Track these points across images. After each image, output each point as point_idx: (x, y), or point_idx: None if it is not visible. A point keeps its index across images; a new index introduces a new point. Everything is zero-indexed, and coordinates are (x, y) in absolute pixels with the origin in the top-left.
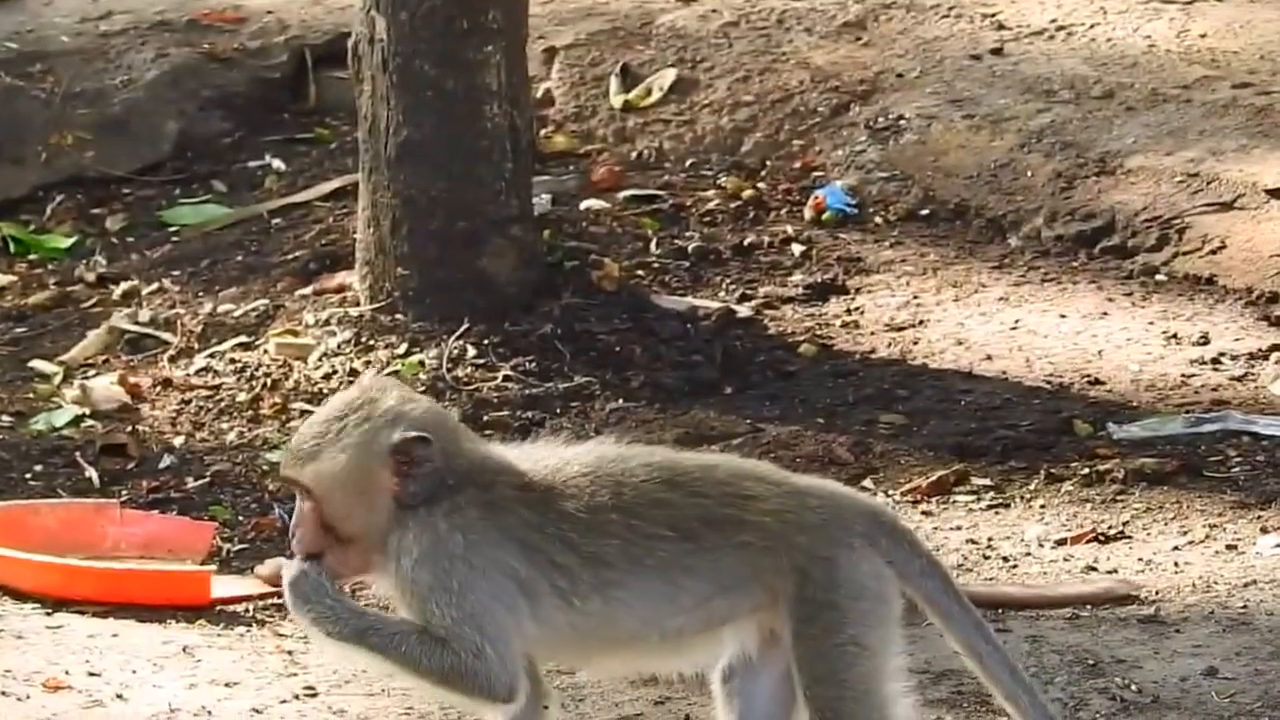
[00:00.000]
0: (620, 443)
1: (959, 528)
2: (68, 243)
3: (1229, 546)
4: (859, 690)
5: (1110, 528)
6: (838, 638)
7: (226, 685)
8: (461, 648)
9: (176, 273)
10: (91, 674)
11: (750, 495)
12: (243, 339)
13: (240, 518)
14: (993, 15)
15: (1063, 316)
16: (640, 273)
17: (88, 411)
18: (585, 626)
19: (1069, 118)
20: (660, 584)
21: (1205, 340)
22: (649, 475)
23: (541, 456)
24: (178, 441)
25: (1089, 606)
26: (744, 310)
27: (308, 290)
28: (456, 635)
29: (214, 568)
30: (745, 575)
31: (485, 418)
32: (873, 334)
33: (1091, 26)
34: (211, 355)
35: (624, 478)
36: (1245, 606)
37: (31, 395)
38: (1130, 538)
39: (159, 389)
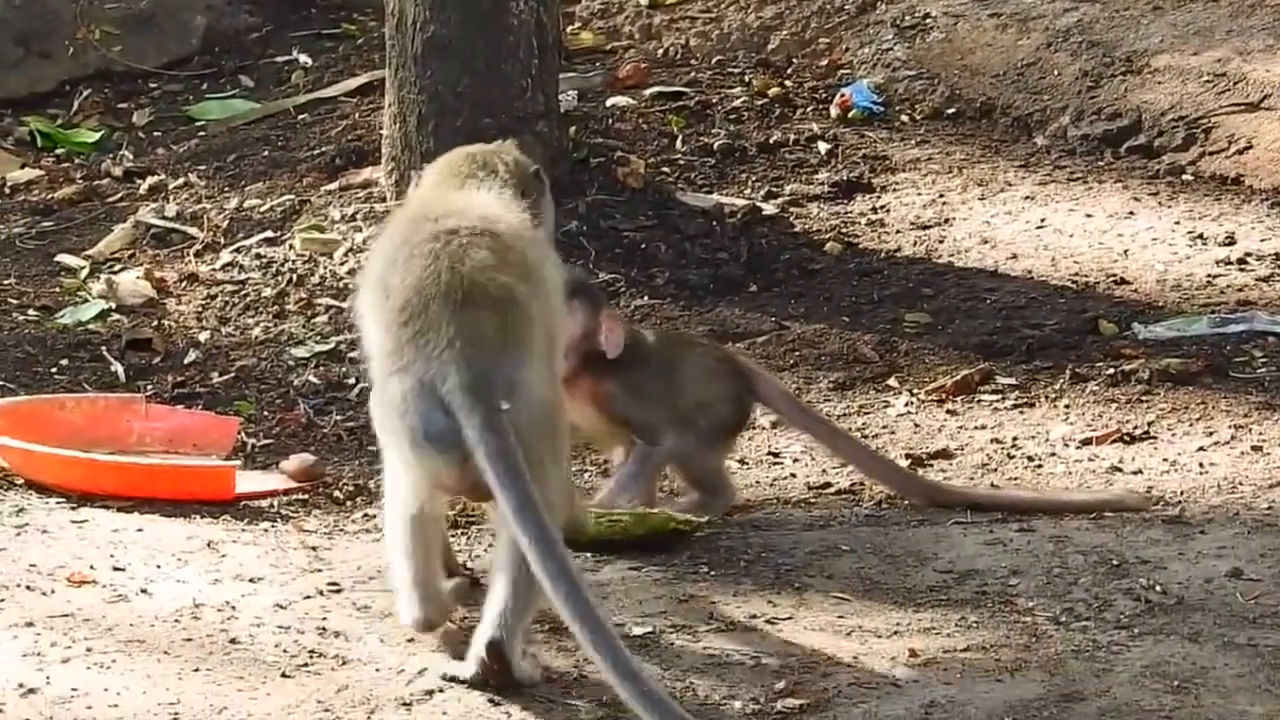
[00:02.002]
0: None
1: (984, 427)
2: (94, 137)
3: (1254, 448)
4: None
5: (1135, 428)
6: None
7: (250, 581)
8: None
9: (203, 168)
10: (116, 569)
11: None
12: (269, 234)
13: (265, 413)
14: None
15: (1089, 216)
16: (666, 170)
17: (113, 306)
18: None
19: (1096, 16)
20: None
21: (1231, 240)
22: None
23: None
24: (203, 337)
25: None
26: (769, 208)
27: (334, 186)
28: None
29: (239, 463)
30: None
31: None
32: (898, 232)
33: None
34: (237, 250)
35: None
36: (1270, 508)
37: (58, 289)
38: (1155, 438)
39: (185, 284)
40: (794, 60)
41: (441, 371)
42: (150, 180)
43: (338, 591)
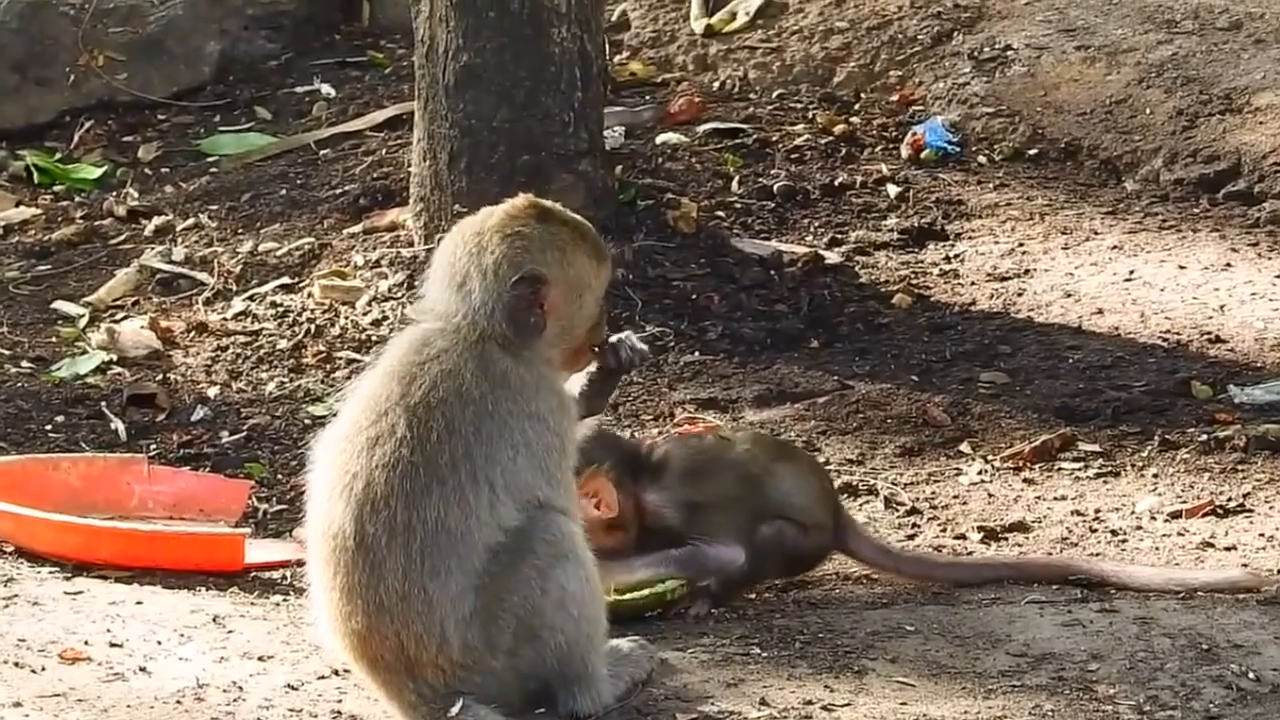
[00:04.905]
0: None
1: (1064, 498)
2: (97, 173)
3: None
4: None
5: (1230, 500)
6: None
7: (260, 659)
8: None
9: (214, 207)
10: (113, 645)
11: None
12: (285, 280)
13: (279, 476)
14: None
15: (1182, 268)
16: (720, 214)
17: (115, 358)
18: None
19: (1192, 50)
20: None
21: None
22: None
23: None
24: (212, 392)
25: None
26: (833, 256)
27: (357, 228)
28: None
29: (249, 530)
30: None
31: None
32: (973, 284)
33: None
34: (251, 298)
35: None
36: None
37: (54, 339)
38: (1251, 511)
39: (193, 334)
40: (862, 95)
41: None
42: (157, 220)
43: (352, 671)
